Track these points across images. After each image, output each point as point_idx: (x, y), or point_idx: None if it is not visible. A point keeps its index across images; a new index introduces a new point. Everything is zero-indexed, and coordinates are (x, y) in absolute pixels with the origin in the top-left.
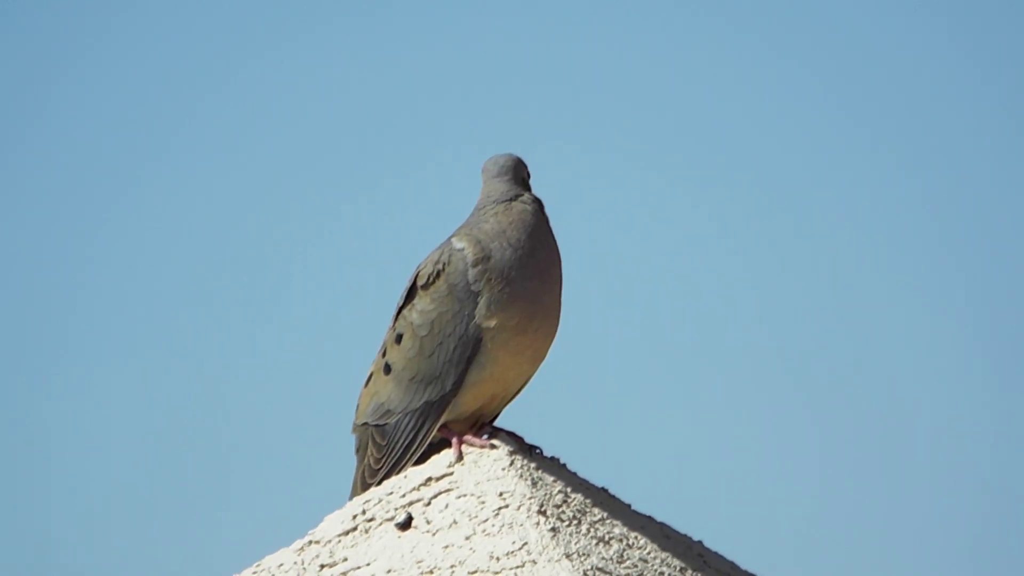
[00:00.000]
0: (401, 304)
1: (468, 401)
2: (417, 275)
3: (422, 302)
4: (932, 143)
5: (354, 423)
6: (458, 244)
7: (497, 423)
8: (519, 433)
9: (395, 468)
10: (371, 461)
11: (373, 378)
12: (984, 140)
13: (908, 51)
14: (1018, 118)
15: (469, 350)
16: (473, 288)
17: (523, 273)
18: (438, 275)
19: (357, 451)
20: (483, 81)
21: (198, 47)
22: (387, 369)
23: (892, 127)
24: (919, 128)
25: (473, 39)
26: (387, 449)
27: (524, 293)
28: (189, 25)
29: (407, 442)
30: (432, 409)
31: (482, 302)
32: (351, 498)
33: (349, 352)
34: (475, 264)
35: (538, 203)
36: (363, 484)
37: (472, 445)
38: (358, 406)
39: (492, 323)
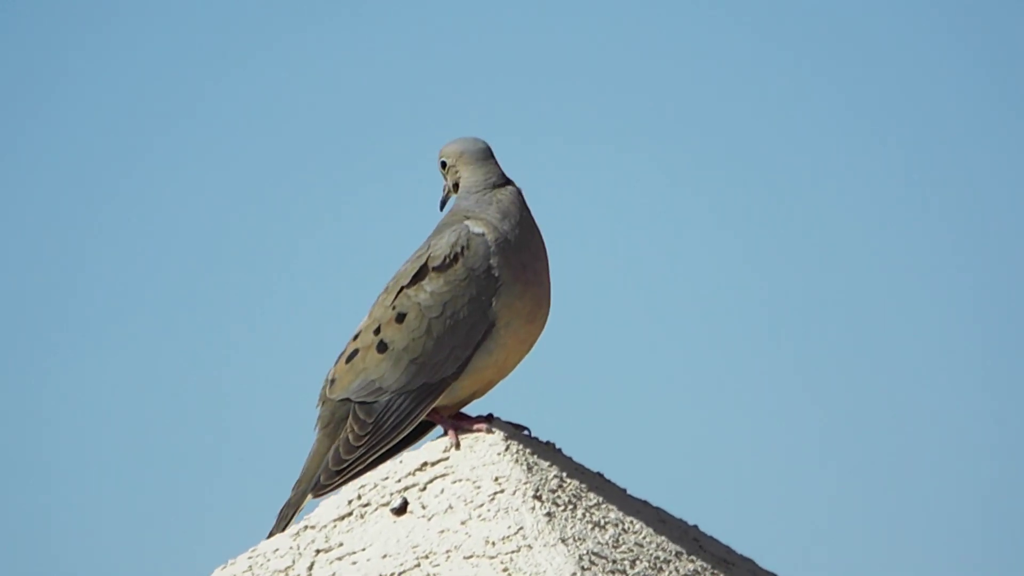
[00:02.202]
0: (405, 283)
1: (467, 386)
2: (429, 256)
3: (434, 283)
4: (933, 141)
5: (326, 396)
6: (476, 228)
7: (489, 406)
8: (510, 419)
9: (376, 447)
10: (351, 437)
11: (360, 354)
12: (987, 138)
13: (912, 47)
14: None
15: (479, 335)
16: (494, 273)
17: (531, 258)
18: (456, 258)
19: (327, 425)
20: (462, 76)
21: (188, 41)
22: (381, 347)
23: (891, 121)
24: (918, 124)
25: (460, 33)
26: (373, 427)
27: (535, 279)
28: (184, 21)
29: (396, 422)
30: (430, 391)
31: (502, 288)
32: (316, 473)
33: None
34: (497, 250)
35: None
36: (336, 459)
37: (468, 430)
38: (333, 380)
39: (509, 309)
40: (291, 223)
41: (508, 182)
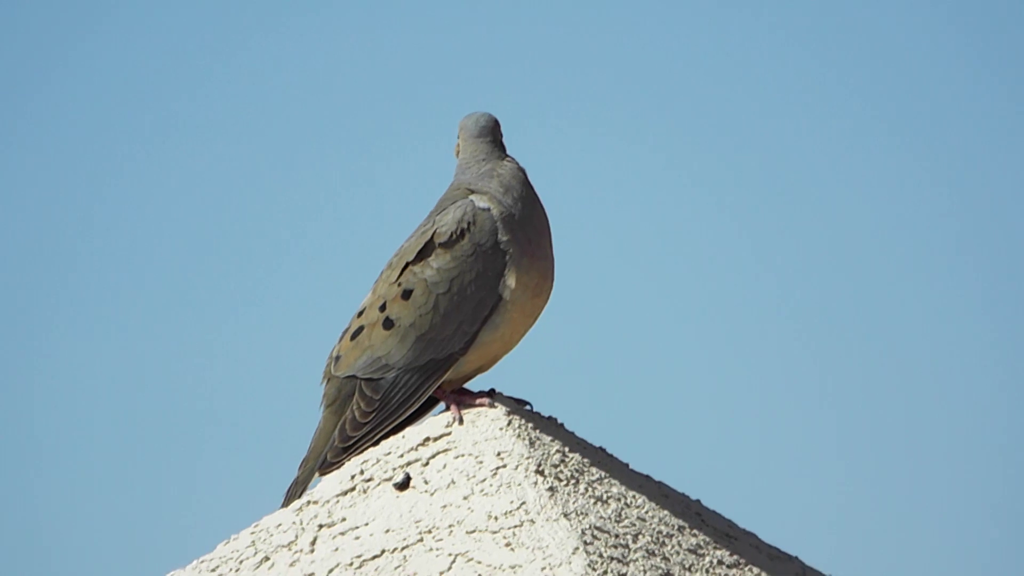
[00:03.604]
0: (410, 260)
1: (472, 361)
2: (435, 232)
3: (440, 260)
4: (934, 139)
5: (330, 374)
6: (481, 204)
7: (492, 381)
8: (512, 394)
9: (383, 423)
10: (356, 414)
11: (366, 331)
12: (991, 137)
13: (915, 46)
14: None
15: (486, 310)
16: (501, 248)
17: (536, 233)
18: (462, 234)
19: (332, 403)
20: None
21: (181, 34)
22: (388, 324)
23: (904, 116)
24: (928, 118)
25: (465, 22)
26: (379, 404)
27: (541, 253)
28: (176, 15)
29: (403, 398)
30: (436, 367)
31: (509, 262)
32: (323, 451)
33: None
34: (503, 225)
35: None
36: (343, 437)
37: (470, 405)
38: (338, 357)
39: (516, 284)
40: (295, 202)
41: (503, 158)
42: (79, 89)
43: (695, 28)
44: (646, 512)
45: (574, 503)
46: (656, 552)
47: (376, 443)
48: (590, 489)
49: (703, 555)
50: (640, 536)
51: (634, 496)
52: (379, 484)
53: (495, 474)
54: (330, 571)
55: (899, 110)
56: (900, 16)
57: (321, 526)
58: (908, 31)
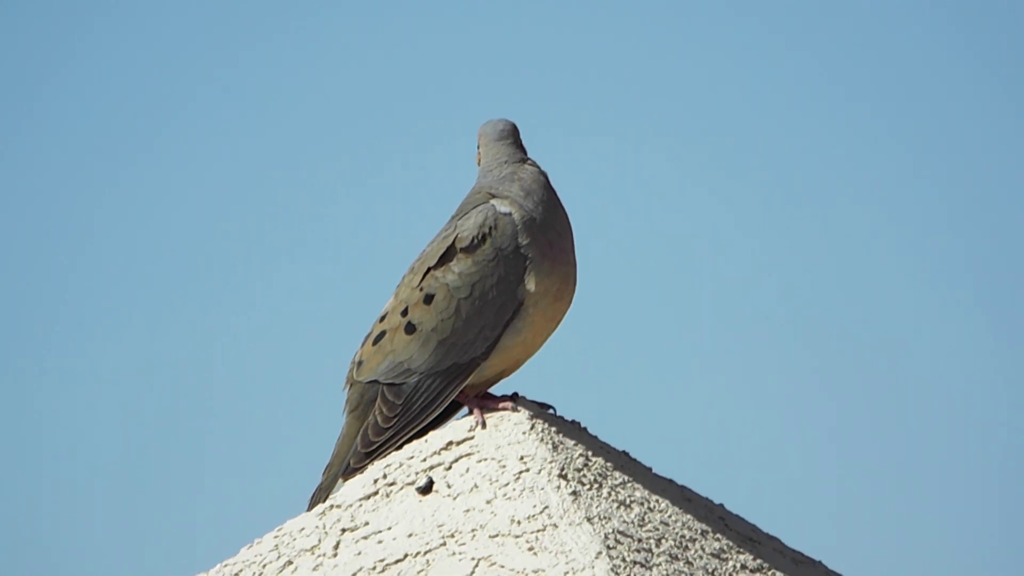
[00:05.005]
0: (432, 264)
1: (495, 365)
2: (457, 237)
3: (462, 264)
4: (936, 138)
5: (353, 379)
6: (503, 208)
7: (515, 385)
8: (535, 398)
9: (406, 428)
10: (379, 419)
11: (388, 336)
12: (990, 137)
13: (918, 45)
14: None
15: (508, 315)
16: (523, 252)
17: (558, 236)
18: (483, 238)
19: (355, 408)
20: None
21: (186, 34)
22: (410, 328)
23: (907, 118)
24: (931, 119)
25: (460, 27)
26: (402, 408)
27: (564, 257)
28: (179, 14)
29: (426, 403)
30: (459, 372)
31: (530, 267)
32: (346, 456)
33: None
34: (524, 229)
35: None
36: (365, 442)
37: (493, 409)
38: (360, 362)
39: (537, 288)
40: (319, 209)
41: (524, 161)
42: (108, 92)
43: (719, 36)
44: (669, 516)
45: (597, 507)
46: (679, 556)
47: (399, 447)
48: (613, 493)
49: (726, 559)
50: (663, 540)
51: (657, 500)
52: (402, 488)
53: (518, 478)
54: (353, 575)
55: (902, 112)
56: (901, 16)
57: (344, 530)
58: (909, 31)
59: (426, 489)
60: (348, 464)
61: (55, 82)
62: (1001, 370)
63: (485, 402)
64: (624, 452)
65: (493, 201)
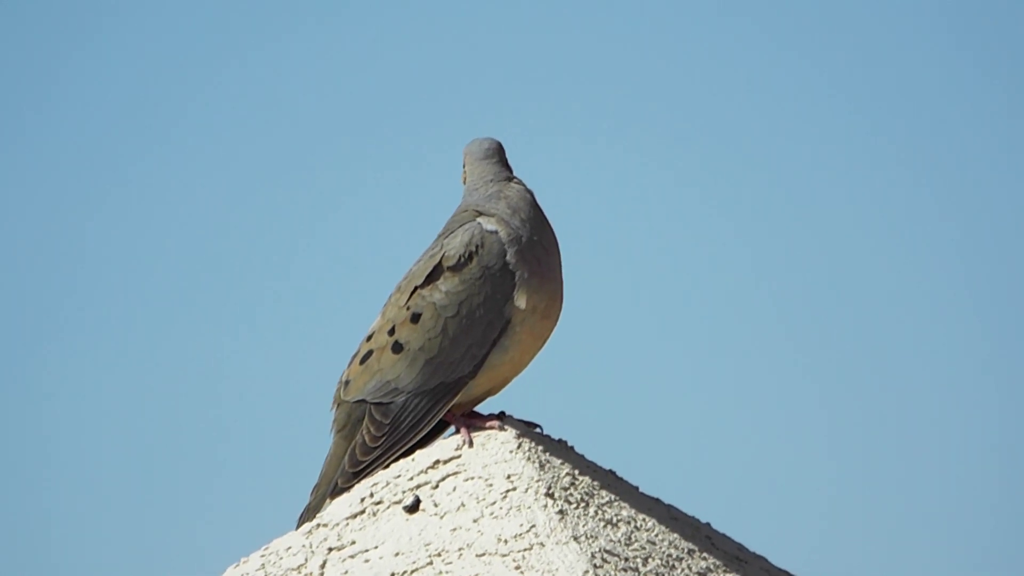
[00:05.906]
0: (419, 283)
1: (482, 384)
2: (443, 256)
3: (449, 283)
4: (930, 141)
5: (340, 399)
6: (489, 226)
7: (502, 403)
8: (522, 417)
9: (394, 448)
10: (367, 439)
11: (375, 355)
12: (990, 137)
13: (916, 46)
14: None
15: (495, 333)
16: (510, 270)
17: (544, 254)
18: (470, 257)
19: (343, 428)
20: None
21: (190, 38)
22: (397, 348)
23: (903, 120)
24: (927, 121)
25: (455, 32)
26: (389, 428)
27: (550, 275)
28: (183, 17)
29: (414, 422)
30: (446, 391)
31: (517, 285)
32: (334, 476)
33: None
34: (511, 247)
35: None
36: (353, 461)
37: (480, 427)
38: (347, 382)
39: (524, 306)
40: (304, 228)
41: (510, 179)
42: (110, 95)
43: (705, 48)
44: (656, 535)
45: (584, 526)
46: (666, 575)
47: (386, 466)
48: (600, 512)
49: None
50: (650, 559)
51: (644, 519)
52: (389, 507)
53: (505, 497)
54: None
55: (903, 114)
56: (900, 16)
57: (331, 549)
58: (908, 31)
59: (413, 508)
60: (336, 484)
61: (58, 84)
62: (997, 390)
63: (472, 421)
64: (611, 471)
65: (480, 219)
